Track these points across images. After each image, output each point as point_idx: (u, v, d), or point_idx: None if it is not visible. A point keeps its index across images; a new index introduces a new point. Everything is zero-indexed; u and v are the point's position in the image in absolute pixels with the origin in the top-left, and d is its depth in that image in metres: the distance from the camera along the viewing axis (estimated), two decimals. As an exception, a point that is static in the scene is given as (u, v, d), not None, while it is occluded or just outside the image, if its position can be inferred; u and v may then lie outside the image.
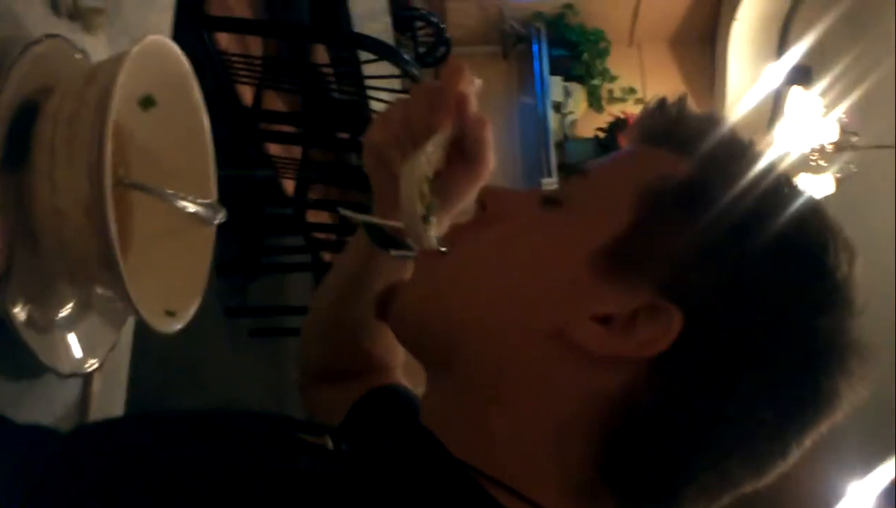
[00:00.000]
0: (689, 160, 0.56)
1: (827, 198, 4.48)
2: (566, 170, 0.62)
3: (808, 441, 0.53)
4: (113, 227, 0.62)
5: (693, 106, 0.62)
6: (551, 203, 0.59)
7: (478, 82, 0.72)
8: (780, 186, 0.55)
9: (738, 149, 0.57)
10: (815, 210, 0.54)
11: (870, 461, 4.49)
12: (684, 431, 0.51)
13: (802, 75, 5.24)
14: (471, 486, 0.50)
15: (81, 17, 0.82)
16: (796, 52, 5.32)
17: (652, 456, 0.51)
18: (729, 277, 0.51)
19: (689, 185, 0.54)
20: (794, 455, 0.53)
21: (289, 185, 2.68)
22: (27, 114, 0.67)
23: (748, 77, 5.60)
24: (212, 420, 0.57)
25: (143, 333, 0.74)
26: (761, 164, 0.55)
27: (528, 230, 0.58)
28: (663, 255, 0.52)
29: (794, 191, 0.55)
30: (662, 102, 0.62)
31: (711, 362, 0.50)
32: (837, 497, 4.95)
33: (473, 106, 0.68)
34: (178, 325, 0.74)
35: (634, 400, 0.51)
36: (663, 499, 0.52)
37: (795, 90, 4.66)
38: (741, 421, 0.51)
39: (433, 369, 0.59)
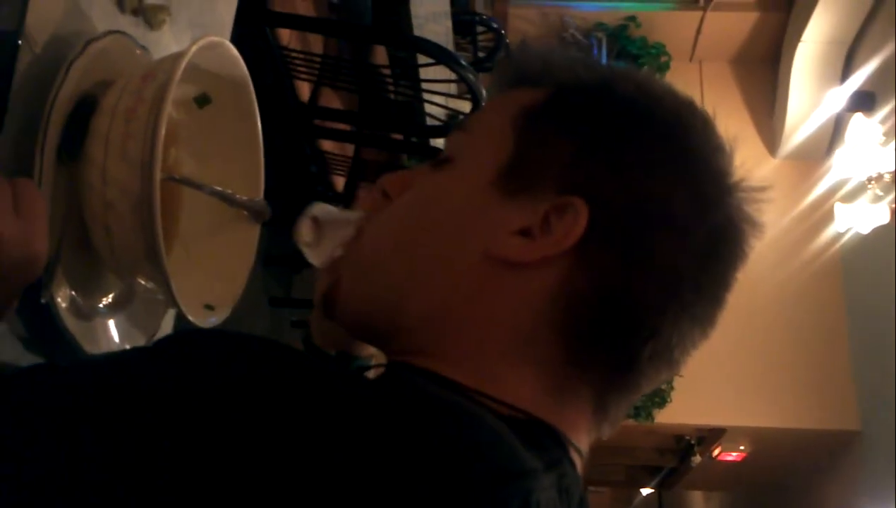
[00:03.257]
0: (548, 84, 0.64)
1: (882, 227, 4.39)
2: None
3: (732, 280, 0.61)
4: (159, 223, 0.63)
5: (533, 44, 0.70)
6: (442, 162, 0.64)
7: None
8: (624, 76, 0.64)
9: (581, 59, 0.67)
10: (664, 89, 0.63)
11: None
12: (624, 299, 0.57)
13: (865, 101, 5.14)
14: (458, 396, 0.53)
15: (145, 13, 0.84)
16: (860, 76, 5.22)
17: (606, 331, 0.57)
18: (606, 156, 0.58)
19: (552, 99, 0.62)
20: (720, 298, 0.60)
21: (339, 182, 2.70)
22: (86, 108, 0.69)
23: (810, 100, 5.51)
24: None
25: (181, 320, 0.75)
26: (603, 66, 0.66)
27: (428, 186, 0.64)
28: (552, 160, 0.59)
29: (639, 77, 0.64)
30: (509, 52, 0.72)
31: (624, 233, 0.57)
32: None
33: None
34: (215, 320, 0.76)
35: (574, 289, 0.56)
36: (628, 367, 0.58)
37: (857, 117, 4.57)
38: (666, 277, 0.57)
39: (386, 340, 0.63)
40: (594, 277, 0.56)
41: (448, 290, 0.59)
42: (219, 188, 0.79)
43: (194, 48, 0.69)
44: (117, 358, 0.55)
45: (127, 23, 0.81)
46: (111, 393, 0.44)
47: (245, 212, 0.81)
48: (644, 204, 0.57)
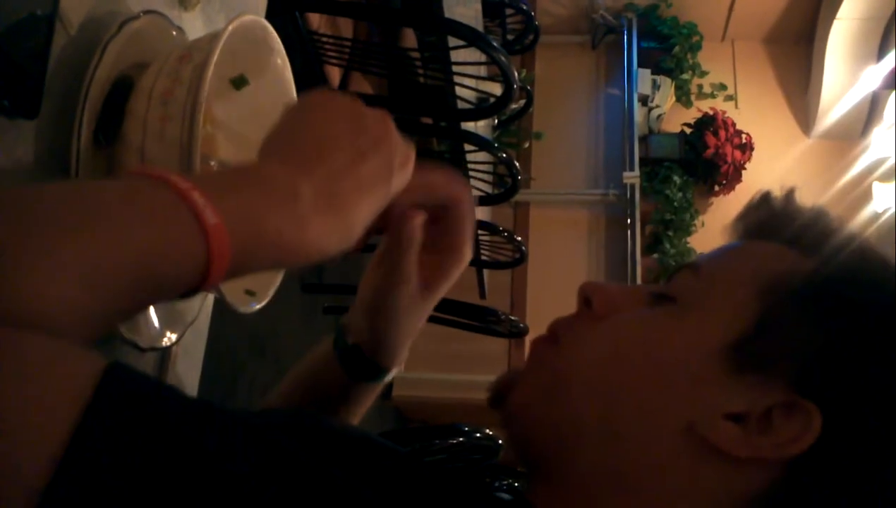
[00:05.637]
0: (807, 255, 0.57)
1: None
2: (675, 267, 0.62)
3: None
4: (199, 206, 0.62)
5: (798, 198, 0.62)
6: (663, 299, 0.59)
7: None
8: None
9: (856, 243, 0.58)
10: None
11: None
12: None
13: (903, 79, 5.04)
14: None
15: (179, -6, 0.83)
16: (898, 54, 5.12)
17: None
18: (864, 373, 0.51)
19: (814, 281, 0.54)
20: None
21: (370, 167, 2.69)
22: (123, 89, 0.68)
23: (845, 79, 5.41)
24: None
25: (221, 304, 0.74)
26: (879, 259, 0.57)
27: (645, 325, 0.58)
28: (794, 351, 0.52)
29: None
30: (767, 196, 0.63)
31: (853, 463, 0.50)
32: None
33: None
34: (256, 305, 0.74)
35: (769, 502, 0.50)
36: None
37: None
38: None
39: (543, 467, 0.58)
40: (800, 497, 0.50)
41: (633, 450, 0.53)
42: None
43: (231, 27, 0.67)
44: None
45: (161, 3, 0.80)
46: None
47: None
48: (889, 443, 0.50)
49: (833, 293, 0.54)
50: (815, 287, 0.54)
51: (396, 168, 0.57)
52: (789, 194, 0.62)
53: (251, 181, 0.49)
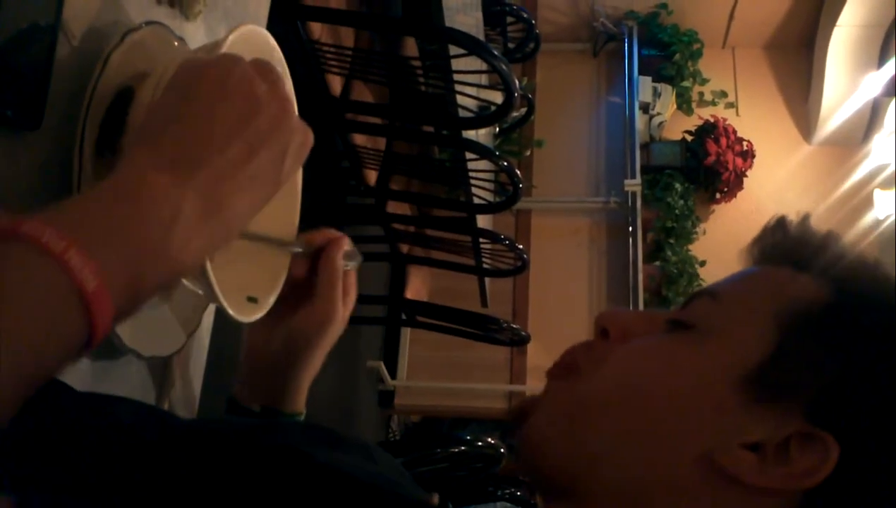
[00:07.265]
0: (823, 281, 0.57)
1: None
2: (692, 294, 0.62)
3: None
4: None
5: (813, 224, 0.63)
6: (680, 326, 0.59)
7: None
8: None
9: (871, 269, 0.58)
10: None
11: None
12: None
13: (904, 86, 5.04)
14: None
15: (181, 4, 0.83)
16: (899, 61, 5.13)
17: None
18: (882, 402, 0.51)
19: (830, 310, 0.54)
20: None
21: (371, 176, 2.69)
22: (125, 100, 0.68)
23: (846, 86, 5.41)
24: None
25: (221, 314, 0.74)
26: (893, 284, 0.57)
27: (663, 352, 0.58)
28: (811, 381, 0.52)
29: None
30: (783, 221, 0.64)
31: (870, 494, 0.50)
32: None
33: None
34: (258, 314, 0.74)
35: None
36: None
37: (896, 101, 4.49)
38: None
39: (559, 492, 0.58)
40: None
41: (650, 477, 0.53)
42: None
43: (232, 37, 0.67)
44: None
45: (163, 14, 0.80)
46: None
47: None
48: None
49: (848, 321, 0.54)
50: (831, 315, 0.54)
51: (291, 155, 0.56)
52: (804, 219, 0.63)
53: (127, 206, 0.46)
